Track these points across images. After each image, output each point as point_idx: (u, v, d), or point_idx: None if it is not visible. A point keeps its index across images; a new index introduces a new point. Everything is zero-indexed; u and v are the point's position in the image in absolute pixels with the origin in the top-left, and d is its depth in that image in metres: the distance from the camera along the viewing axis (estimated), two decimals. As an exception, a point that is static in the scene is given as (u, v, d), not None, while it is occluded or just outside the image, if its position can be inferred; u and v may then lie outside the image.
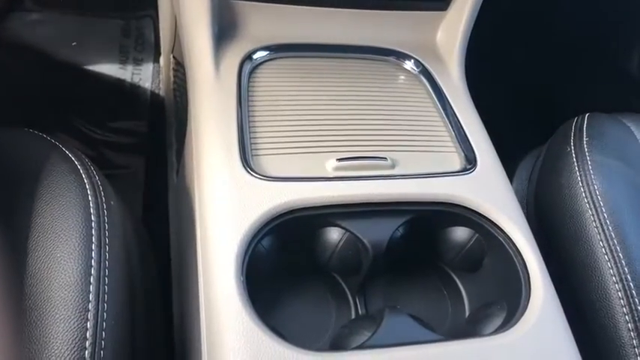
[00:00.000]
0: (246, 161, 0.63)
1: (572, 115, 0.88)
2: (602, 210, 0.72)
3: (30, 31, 1.37)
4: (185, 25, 0.76)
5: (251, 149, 0.65)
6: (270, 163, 0.64)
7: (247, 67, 0.74)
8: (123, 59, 1.40)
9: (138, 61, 1.40)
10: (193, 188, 0.67)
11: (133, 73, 1.38)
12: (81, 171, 0.65)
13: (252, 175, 0.62)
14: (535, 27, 1.29)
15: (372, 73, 0.79)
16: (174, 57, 1.11)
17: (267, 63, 0.77)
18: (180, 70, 1.07)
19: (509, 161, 0.80)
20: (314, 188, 0.62)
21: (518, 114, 1.37)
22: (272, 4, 0.77)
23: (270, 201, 0.60)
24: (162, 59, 1.25)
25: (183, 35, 0.80)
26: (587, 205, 0.73)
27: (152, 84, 1.37)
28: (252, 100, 0.71)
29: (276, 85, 0.74)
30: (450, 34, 0.83)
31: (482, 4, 0.82)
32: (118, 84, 1.36)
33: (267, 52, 0.77)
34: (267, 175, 0.62)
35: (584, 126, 0.83)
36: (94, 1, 1.44)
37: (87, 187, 0.63)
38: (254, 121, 0.68)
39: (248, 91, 0.72)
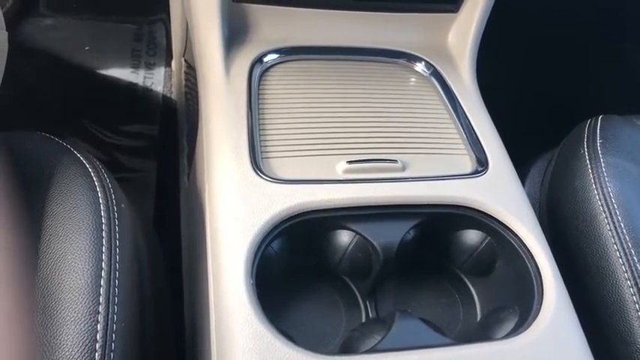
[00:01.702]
0: (257, 164, 0.63)
1: (585, 116, 0.87)
2: (615, 212, 0.71)
3: (43, 36, 1.38)
4: (196, 29, 0.76)
5: (261, 152, 0.65)
6: (280, 166, 0.64)
7: (258, 70, 0.74)
8: (135, 63, 1.41)
9: (150, 65, 1.41)
10: (204, 191, 0.67)
11: (145, 77, 1.39)
12: (92, 174, 0.65)
13: (262, 177, 0.62)
14: (547, 28, 1.28)
15: (383, 75, 0.79)
16: (185, 60, 1.12)
17: (277, 66, 0.77)
18: (191, 74, 1.08)
19: (521, 163, 0.79)
20: (324, 191, 0.61)
21: (531, 116, 1.36)
22: (282, 6, 0.77)
23: (281, 203, 0.60)
24: (173, 63, 1.26)
25: (194, 39, 0.80)
26: (600, 207, 0.72)
27: (164, 88, 1.38)
28: (263, 103, 0.71)
29: (286, 87, 0.74)
30: (461, 36, 0.83)
31: (493, 5, 0.81)
32: (130, 88, 1.37)
33: (278, 55, 0.77)
34: (278, 177, 0.62)
35: (598, 128, 0.82)
36: (107, 6, 1.45)
37: (98, 190, 0.64)
38: (264, 124, 0.68)
39: (258, 93, 0.72)
